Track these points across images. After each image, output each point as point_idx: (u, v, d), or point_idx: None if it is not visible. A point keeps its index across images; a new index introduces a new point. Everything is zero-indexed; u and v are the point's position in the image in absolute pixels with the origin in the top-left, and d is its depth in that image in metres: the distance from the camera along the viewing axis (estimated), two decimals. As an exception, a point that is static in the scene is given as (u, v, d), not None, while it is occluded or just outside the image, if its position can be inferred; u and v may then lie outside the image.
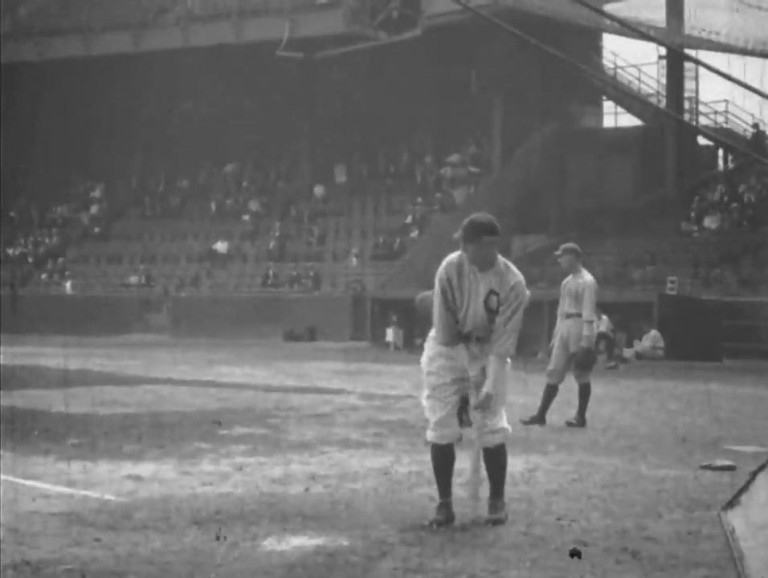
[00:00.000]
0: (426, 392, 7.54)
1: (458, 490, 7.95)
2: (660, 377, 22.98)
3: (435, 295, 7.41)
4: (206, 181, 52.53)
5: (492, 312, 7.33)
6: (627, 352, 29.60)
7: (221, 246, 47.39)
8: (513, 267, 7.44)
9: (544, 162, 46.03)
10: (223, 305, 42.89)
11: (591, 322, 13.59)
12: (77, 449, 11.00)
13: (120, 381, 19.76)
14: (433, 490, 7.74)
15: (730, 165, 45.01)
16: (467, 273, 7.31)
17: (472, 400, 7.51)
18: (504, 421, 7.55)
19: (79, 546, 6.75)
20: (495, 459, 7.55)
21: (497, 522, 7.38)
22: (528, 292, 7.47)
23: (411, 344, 31.39)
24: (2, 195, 51.92)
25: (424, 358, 7.60)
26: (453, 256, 7.39)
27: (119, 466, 9.89)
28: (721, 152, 46.40)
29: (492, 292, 7.31)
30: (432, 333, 7.61)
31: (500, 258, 7.40)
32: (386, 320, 35.42)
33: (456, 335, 7.35)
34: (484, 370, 7.37)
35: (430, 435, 7.52)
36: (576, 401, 13.60)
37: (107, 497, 8.35)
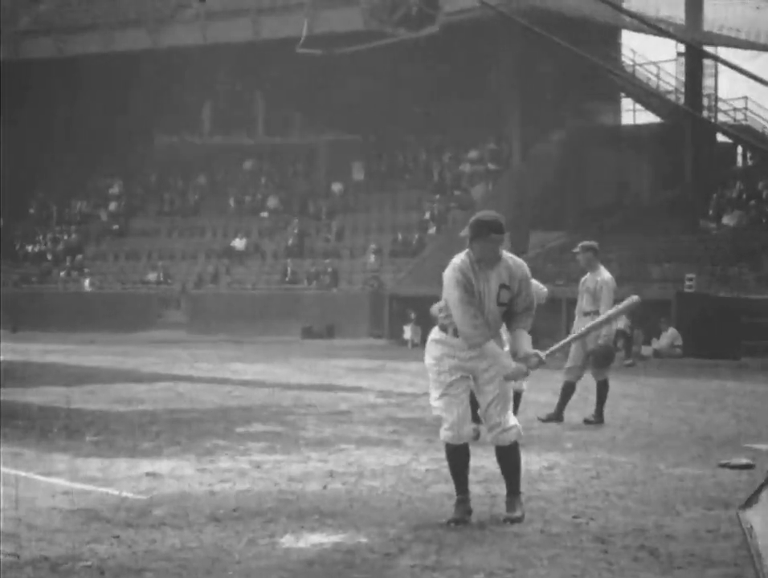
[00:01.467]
0: (437, 393, 7.45)
1: (475, 487, 7.95)
2: (678, 375, 22.92)
3: (456, 299, 7.28)
4: (225, 178, 52.56)
5: (503, 306, 7.36)
6: (645, 350, 29.51)
7: (239, 243, 47.42)
8: (516, 258, 7.49)
9: (562, 159, 45.93)
10: (241, 302, 42.94)
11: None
12: (95, 446, 11.04)
13: (138, 378, 19.82)
14: (450, 488, 7.72)
15: (749, 162, 44.81)
16: (478, 272, 7.32)
17: (481, 399, 7.49)
18: (514, 419, 7.54)
19: (98, 543, 6.77)
20: (509, 457, 7.53)
21: (515, 520, 7.37)
22: (546, 289, 7.47)
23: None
24: (20, 191, 52.06)
25: (430, 359, 7.51)
26: (461, 258, 7.36)
27: (137, 463, 9.91)
28: (739, 149, 46.21)
29: (502, 286, 7.34)
30: (433, 334, 7.58)
31: (504, 252, 7.42)
32: (404, 317, 35.37)
33: (487, 334, 7.34)
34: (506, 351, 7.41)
35: (445, 435, 7.46)
36: (594, 399, 13.58)
37: (125, 494, 8.37)
